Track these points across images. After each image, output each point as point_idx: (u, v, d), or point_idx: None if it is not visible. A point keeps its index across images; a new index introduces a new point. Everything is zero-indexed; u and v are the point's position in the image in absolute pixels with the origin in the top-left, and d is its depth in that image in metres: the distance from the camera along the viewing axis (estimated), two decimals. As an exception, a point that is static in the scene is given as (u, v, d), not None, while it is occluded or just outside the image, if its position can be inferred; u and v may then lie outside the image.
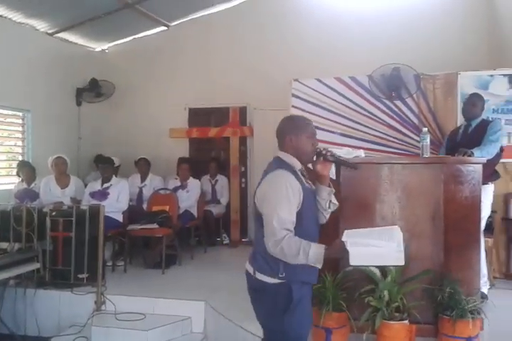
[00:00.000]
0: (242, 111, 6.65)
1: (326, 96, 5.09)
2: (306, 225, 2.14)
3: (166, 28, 6.86)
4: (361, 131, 4.98)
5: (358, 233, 2.00)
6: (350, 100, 5.02)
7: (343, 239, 1.95)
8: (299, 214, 2.12)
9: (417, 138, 4.35)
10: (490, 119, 4.05)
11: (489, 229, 4.08)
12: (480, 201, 3.14)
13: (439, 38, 5.76)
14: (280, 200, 2.08)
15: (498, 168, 3.86)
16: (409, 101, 4.84)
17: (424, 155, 3.36)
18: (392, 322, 2.85)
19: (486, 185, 3.48)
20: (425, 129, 3.47)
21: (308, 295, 2.28)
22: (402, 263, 1.93)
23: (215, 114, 6.76)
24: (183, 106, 6.82)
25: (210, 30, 6.68)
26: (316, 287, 2.99)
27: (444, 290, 2.91)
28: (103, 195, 5.02)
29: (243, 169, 6.69)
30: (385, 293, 2.81)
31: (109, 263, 4.93)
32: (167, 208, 5.26)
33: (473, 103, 3.84)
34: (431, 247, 3.09)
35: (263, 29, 6.49)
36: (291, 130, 2.23)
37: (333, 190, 2.30)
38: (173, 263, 5.10)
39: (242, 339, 3.18)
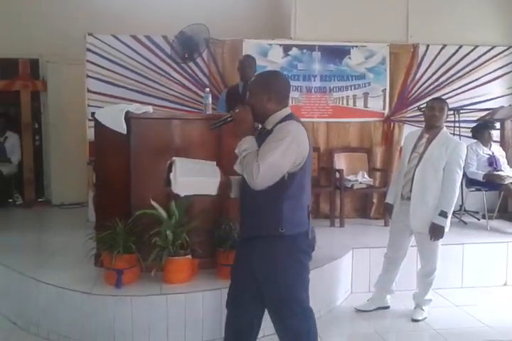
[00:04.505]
0: (34, 63, 6.23)
1: (122, 53, 5.12)
2: None
3: None
4: (157, 89, 5.18)
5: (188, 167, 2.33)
6: (146, 58, 5.16)
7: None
8: None
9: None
10: None
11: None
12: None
13: (229, 7, 6.16)
14: None
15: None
16: (200, 63, 5.19)
17: (207, 112, 3.76)
18: (176, 257, 3.23)
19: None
20: (207, 89, 3.83)
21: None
22: (214, 192, 2.32)
23: (3, 65, 6.15)
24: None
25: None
26: (107, 233, 3.22)
27: (221, 228, 3.40)
28: None
29: (37, 126, 6.35)
30: (169, 232, 3.16)
31: None
32: None
33: (250, 65, 4.35)
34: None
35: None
36: None
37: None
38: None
39: (34, 288, 3.24)
